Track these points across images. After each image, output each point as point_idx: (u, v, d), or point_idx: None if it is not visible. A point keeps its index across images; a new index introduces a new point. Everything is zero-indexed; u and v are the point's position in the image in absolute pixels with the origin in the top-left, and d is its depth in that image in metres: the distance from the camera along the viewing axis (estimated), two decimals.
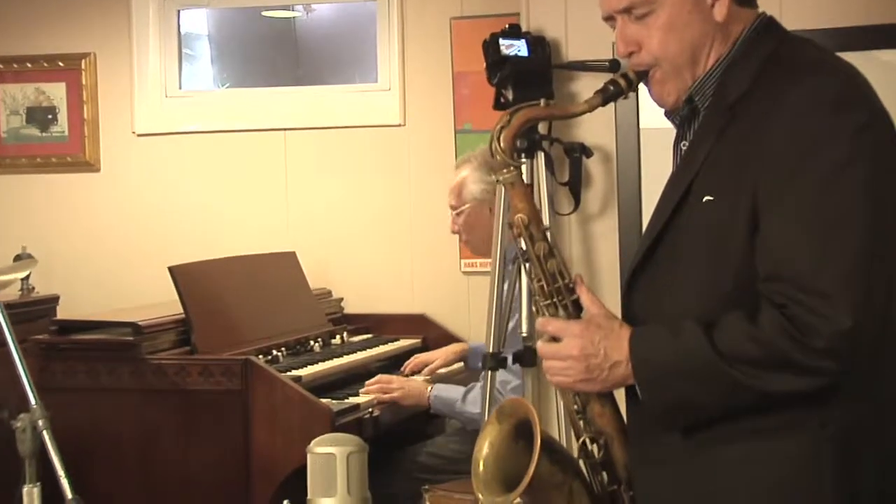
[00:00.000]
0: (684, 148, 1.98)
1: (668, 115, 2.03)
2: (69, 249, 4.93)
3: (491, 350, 3.44)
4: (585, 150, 3.91)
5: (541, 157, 3.71)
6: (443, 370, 4.09)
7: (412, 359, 4.14)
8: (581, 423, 2.00)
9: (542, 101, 2.02)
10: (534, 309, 2.04)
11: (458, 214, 3.91)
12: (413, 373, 4.08)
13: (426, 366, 4.09)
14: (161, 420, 3.62)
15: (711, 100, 1.94)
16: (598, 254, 4.09)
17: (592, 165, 4.01)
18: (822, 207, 1.77)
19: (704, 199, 1.86)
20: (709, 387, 1.81)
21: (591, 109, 2.00)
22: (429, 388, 3.81)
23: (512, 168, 2.01)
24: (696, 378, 1.81)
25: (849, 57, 1.91)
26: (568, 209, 3.99)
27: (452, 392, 3.79)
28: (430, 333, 4.48)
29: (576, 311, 1.99)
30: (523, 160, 3.50)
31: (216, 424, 3.57)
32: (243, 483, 3.53)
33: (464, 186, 3.89)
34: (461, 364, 4.17)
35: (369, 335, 4.51)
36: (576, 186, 3.95)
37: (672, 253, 1.90)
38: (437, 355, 4.13)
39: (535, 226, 2.01)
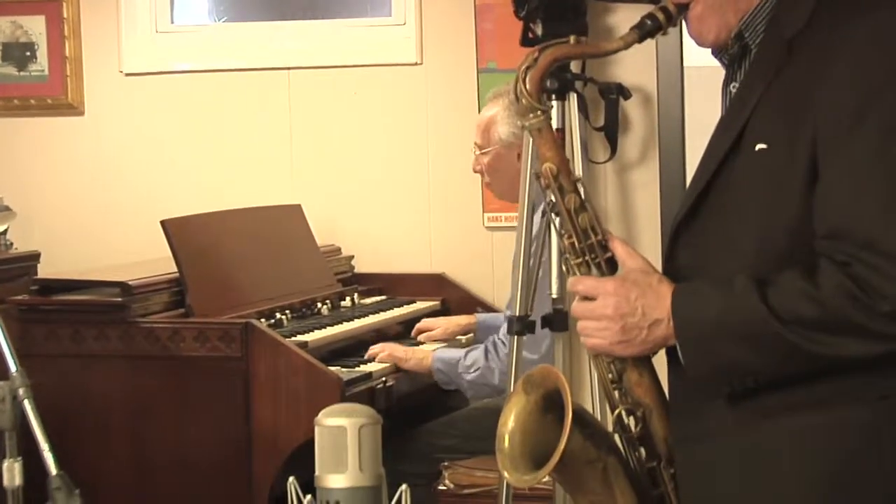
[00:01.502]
0: (734, 90, 1.98)
1: (715, 53, 2.03)
2: (51, 201, 4.95)
3: (518, 313, 3.46)
4: (623, 92, 3.91)
5: (573, 98, 3.71)
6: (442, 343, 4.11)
7: (418, 324, 4.17)
8: (616, 393, 2.02)
9: (573, 38, 2.02)
10: (564, 268, 2.05)
11: (482, 154, 3.91)
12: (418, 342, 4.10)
13: (425, 332, 4.12)
14: (153, 389, 3.65)
15: (763, 36, 1.94)
16: (637, 206, 4.10)
17: (630, 108, 4.01)
18: (890, 155, 1.77)
19: (757, 148, 1.86)
20: (760, 350, 1.82)
21: (627, 47, 2.00)
22: (430, 353, 3.83)
23: (539, 113, 2.02)
24: (745, 339, 1.82)
25: None
26: (603, 157, 3.99)
27: (455, 352, 3.82)
28: (450, 295, 4.49)
29: (610, 269, 2.00)
30: (552, 103, 3.49)
31: (214, 394, 3.60)
32: (244, 459, 3.56)
33: (492, 125, 3.88)
34: (469, 337, 4.17)
35: (382, 297, 4.52)
36: (612, 131, 3.95)
37: (720, 206, 1.91)
38: (440, 324, 4.15)
39: (564, 176, 2.02)
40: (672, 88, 3.88)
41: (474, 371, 3.74)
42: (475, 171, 3.98)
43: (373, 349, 3.88)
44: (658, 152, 4.01)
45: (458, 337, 4.14)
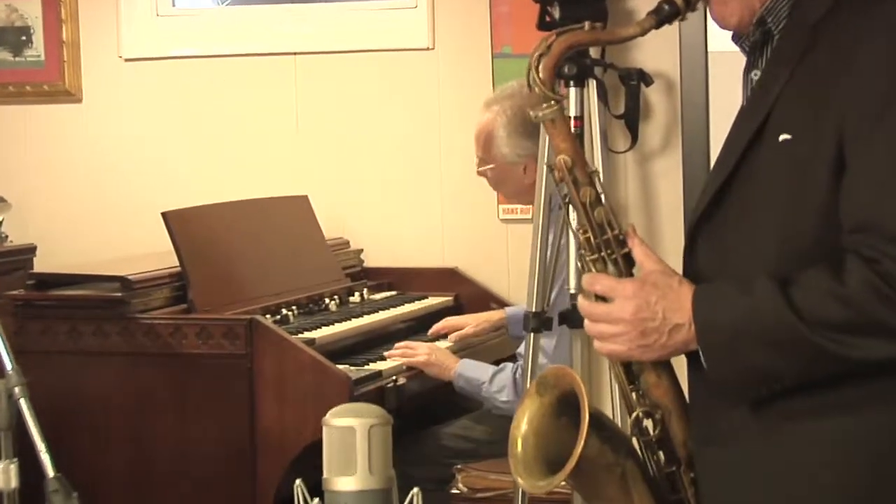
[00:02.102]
0: (755, 78, 1.98)
1: (735, 39, 2.03)
2: (47, 192, 4.97)
3: (534, 309, 3.46)
4: (644, 78, 3.91)
5: (592, 85, 3.71)
6: (473, 340, 4.11)
7: (443, 321, 4.16)
8: (634, 395, 2.02)
9: (587, 24, 2.02)
10: (579, 265, 2.05)
11: (485, 168, 3.92)
12: (438, 337, 4.10)
13: (455, 331, 4.11)
14: (153, 388, 3.66)
15: (787, 21, 1.94)
16: (659, 198, 4.10)
17: (652, 95, 4.01)
18: None
19: (781, 138, 1.86)
20: (785, 353, 1.82)
21: (644, 33, 2.01)
22: (456, 364, 3.82)
23: (553, 102, 2.02)
24: (769, 343, 1.82)
25: None
26: (624, 146, 3.99)
27: (480, 372, 3.80)
28: (464, 290, 4.49)
29: (627, 266, 2.00)
30: (570, 90, 3.49)
31: (217, 394, 3.61)
32: (248, 461, 3.57)
33: (492, 142, 3.88)
34: (500, 333, 4.17)
35: (393, 292, 4.53)
36: (633, 119, 3.95)
37: (742, 200, 1.91)
38: (470, 321, 4.15)
39: (579, 169, 2.02)
40: (696, 74, 3.88)
41: (503, 403, 3.70)
42: (479, 175, 3.98)
43: (398, 346, 3.87)
44: (681, 141, 4.00)
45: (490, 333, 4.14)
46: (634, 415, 2.01)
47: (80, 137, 4.97)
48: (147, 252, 4.30)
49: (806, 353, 1.81)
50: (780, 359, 1.83)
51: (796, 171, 1.84)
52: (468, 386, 3.78)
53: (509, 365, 3.77)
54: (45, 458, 2.49)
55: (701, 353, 1.89)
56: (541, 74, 2.01)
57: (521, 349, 3.66)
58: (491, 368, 3.79)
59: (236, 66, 4.82)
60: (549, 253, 3.48)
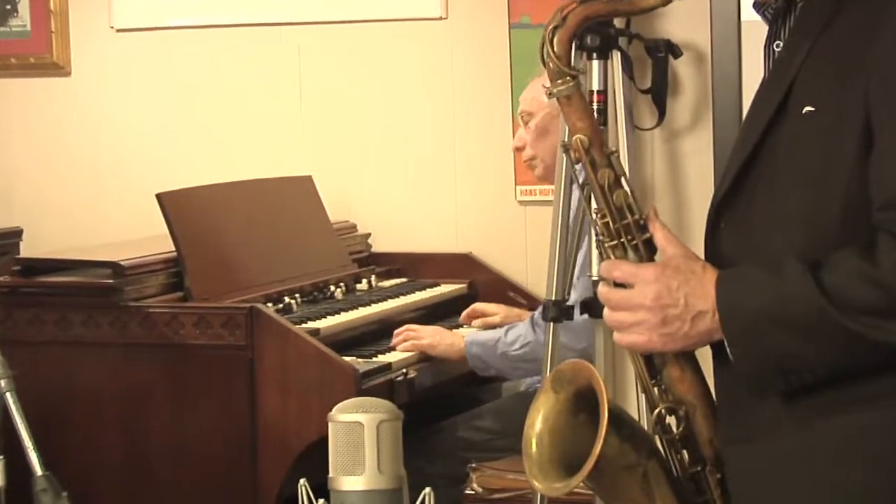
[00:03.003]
0: (778, 49, 1.99)
1: (757, 7, 2.03)
2: (34, 172, 4.98)
3: (554, 297, 3.46)
4: (672, 49, 3.90)
5: (616, 57, 3.71)
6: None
7: (472, 306, 4.18)
8: (656, 390, 2.02)
9: None
10: (598, 251, 2.05)
11: (529, 123, 3.91)
12: (461, 324, 4.12)
13: (482, 317, 4.13)
14: (148, 381, 3.68)
15: None
16: (688, 177, 4.10)
17: (681, 68, 4.00)
18: None
19: (805, 111, 1.87)
20: (816, 341, 1.82)
21: (666, 3, 2.01)
22: (463, 338, 3.84)
23: (568, 78, 2.02)
24: (800, 330, 1.82)
25: None
26: (650, 123, 3.99)
27: (491, 332, 3.82)
28: (479, 277, 4.50)
29: (649, 253, 2.00)
30: (593, 62, 3.49)
31: (215, 387, 3.62)
32: (249, 459, 3.58)
33: (542, 91, 3.88)
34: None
35: (403, 279, 4.54)
36: (660, 94, 3.94)
37: (766, 178, 1.91)
38: (499, 311, 4.17)
39: (597, 149, 2.02)
40: (727, 45, 3.88)
41: (520, 347, 3.73)
42: (516, 149, 3.98)
43: (397, 332, 3.88)
44: (712, 117, 4.00)
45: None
46: (657, 411, 2.01)
47: (69, 113, 4.97)
48: (141, 236, 4.31)
49: (838, 339, 1.81)
50: (811, 346, 1.83)
51: (823, 145, 1.85)
52: (483, 351, 3.79)
53: (520, 322, 3.79)
54: (33, 455, 2.51)
55: (725, 341, 1.89)
56: (556, 48, 2.02)
57: (537, 313, 3.67)
58: (504, 328, 3.82)
59: (236, 37, 4.82)
60: (570, 237, 3.48)
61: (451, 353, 3.84)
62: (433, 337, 3.86)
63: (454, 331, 3.99)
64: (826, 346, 1.83)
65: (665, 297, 1.91)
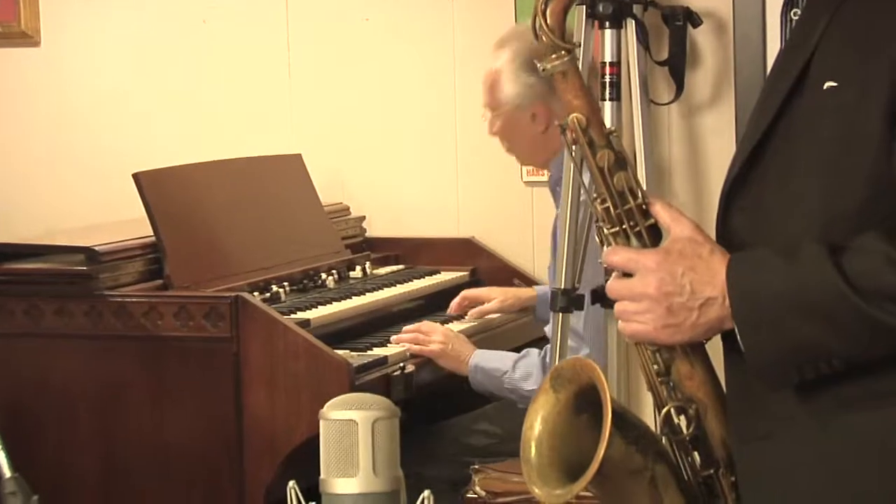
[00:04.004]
0: (795, 18, 1.98)
1: None
2: (1, 150, 4.98)
3: (562, 286, 3.47)
4: (691, 18, 3.90)
5: (631, 26, 3.71)
6: (494, 316, 4.12)
7: (462, 293, 4.17)
8: (664, 389, 2.02)
9: None
10: (598, 239, 2.05)
11: (494, 117, 3.92)
12: (456, 315, 4.12)
13: (477, 305, 4.12)
14: (126, 376, 3.68)
15: None
16: (708, 156, 4.10)
17: (701, 38, 4.00)
18: None
19: (826, 86, 1.87)
20: (836, 328, 1.82)
21: None
22: (471, 356, 3.82)
23: (563, 53, 2.02)
24: (818, 316, 1.82)
25: None
26: (667, 97, 3.99)
27: (500, 362, 3.80)
28: (481, 264, 4.50)
29: (653, 239, 2.00)
30: (605, 31, 3.49)
31: (198, 382, 3.63)
32: (235, 459, 3.59)
33: (497, 83, 3.89)
34: (525, 314, 4.19)
35: (400, 266, 4.55)
36: (678, 66, 3.94)
37: (783, 157, 1.91)
38: (495, 295, 4.16)
39: (595, 129, 2.02)
40: (751, 13, 3.87)
41: (532, 389, 3.71)
42: (491, 135, 3.99)
43: (406, 330, 3.88)
44: (734, 91, 4.00)
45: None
46: (665, 411, 2.02)
47: (39, 86, 4.97)
48: (117, 219, 4.31)
49: (859, 326, 1.81)
50: (830, 334, 1.83)
51: (844, 122, 1.85)
52: (487, 380, 3.78)
53: (534, 350, 3.78)
54: (1, 455, 2.52)
55: (737, 329, 1.89)
56: (548, 20, 2.01)
57: (547, 357, 3.67)
58: (512, 356, 3.79)
59: (219, 3, 4.82)
60: (579, 221, 3.48)
61: (456, 369, 3.81)
62: (444, 346, 3.83)
63: (465, 339, 3.89)
64: (846, 334, 1.82)
65: (669, 284, 1.91)
